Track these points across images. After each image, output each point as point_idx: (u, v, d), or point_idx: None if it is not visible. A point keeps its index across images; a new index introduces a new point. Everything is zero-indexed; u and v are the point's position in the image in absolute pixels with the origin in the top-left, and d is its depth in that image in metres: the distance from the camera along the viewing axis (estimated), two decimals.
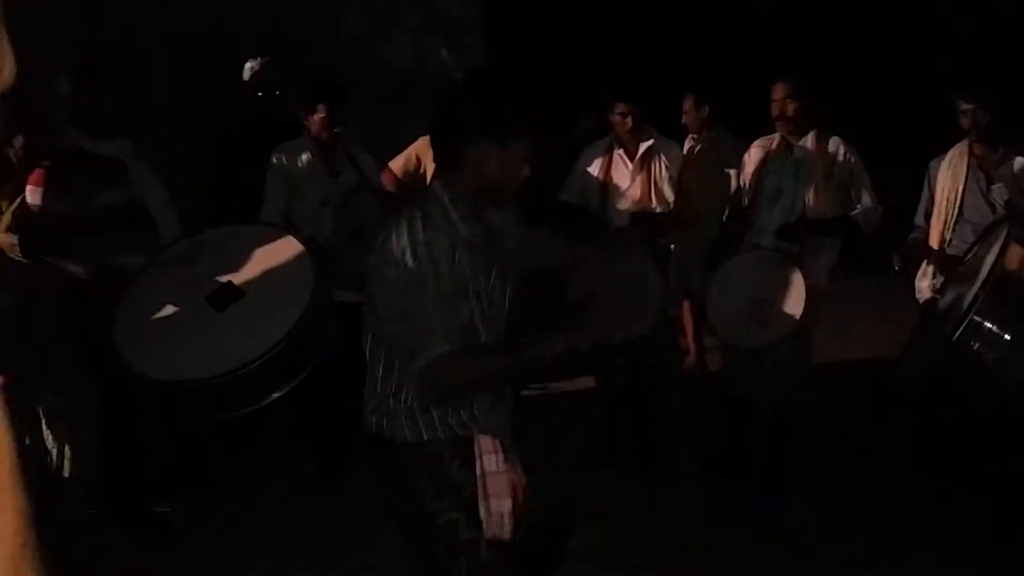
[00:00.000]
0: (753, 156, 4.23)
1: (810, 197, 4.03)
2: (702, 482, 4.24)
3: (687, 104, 5.38)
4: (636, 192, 4.36)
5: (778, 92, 4.08)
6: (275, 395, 2.99)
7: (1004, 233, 3.52)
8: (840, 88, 6.73)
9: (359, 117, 4.89)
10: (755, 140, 4.27)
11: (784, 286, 3.91)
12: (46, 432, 3.54)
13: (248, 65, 4.57)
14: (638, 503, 4.03)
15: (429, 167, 4.45)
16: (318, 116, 4.13)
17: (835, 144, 4.08)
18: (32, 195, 3.50)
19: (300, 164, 4.17)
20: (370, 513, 3.76)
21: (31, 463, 3.39)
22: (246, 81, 4.57)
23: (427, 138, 4.66)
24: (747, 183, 4.21)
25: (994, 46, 7.21)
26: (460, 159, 2.23)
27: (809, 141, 4.08)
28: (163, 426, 3.81)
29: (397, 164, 4.65)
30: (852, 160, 4.07)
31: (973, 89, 3.91)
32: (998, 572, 3.36)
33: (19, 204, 3.47)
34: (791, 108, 4.04)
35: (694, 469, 4.35)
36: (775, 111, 4.09)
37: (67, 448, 3.54)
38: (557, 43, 6.93)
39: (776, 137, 4.17)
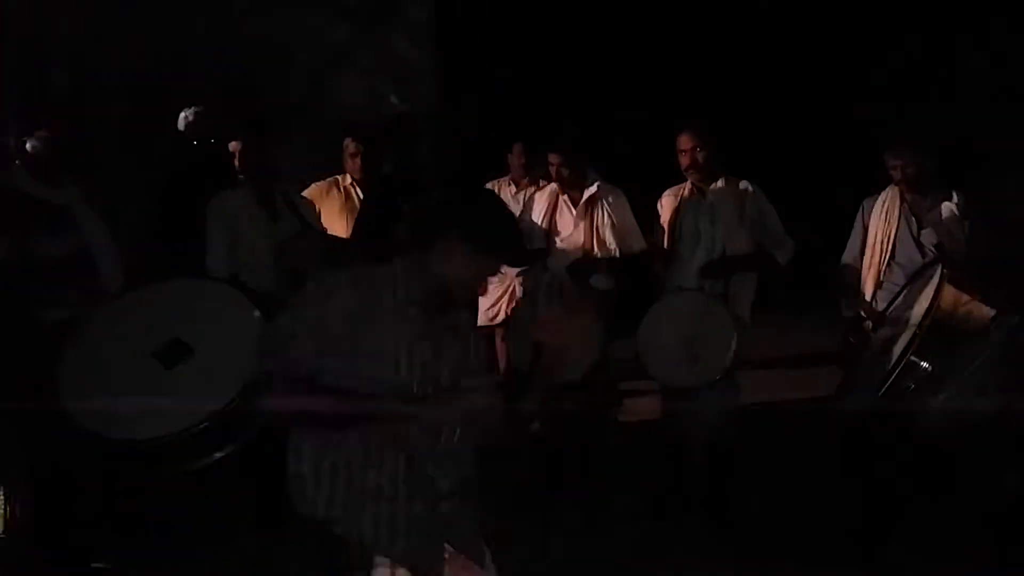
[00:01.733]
0: (666, 204, 4.38)
1: (727, 236, 4.16)
2: (644, 524, 4.23)
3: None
4: (579, 238, 4.38)
5: (685, 143, 4.21)
6: (217, 455, 2.93)
7: (937, 275, 3.60)
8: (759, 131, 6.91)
9: (310, 155, 4.88)
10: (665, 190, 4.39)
11: (713, 323, 3.99)
12: None
13: (182, 115, 4.54)
14: (580, 546, 4.01)
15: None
16: (234, 150, 4.10)
17: (744, 184, 4.26)
18: None
19: (238, 209, 4.09)
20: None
21: None
22: (181, 131, 4.50)
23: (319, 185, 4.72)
24: (664, 230, 4.32)
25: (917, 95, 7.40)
26: (429, 247, 2.23)
27: (720, 184, 4.24)
28: (104, 479, 3.71)
29: None
30: (761, 199, 4.25)
31: (899, 145, 3.99)
32: None
33: None
34: (701, 156, 4.18)
35: (636, 511, 4.33)
36: (684, 161, 4.22)
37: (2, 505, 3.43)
38: (507, 87, 6.95)
39: (687, 184, 4.30)
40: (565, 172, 4.36)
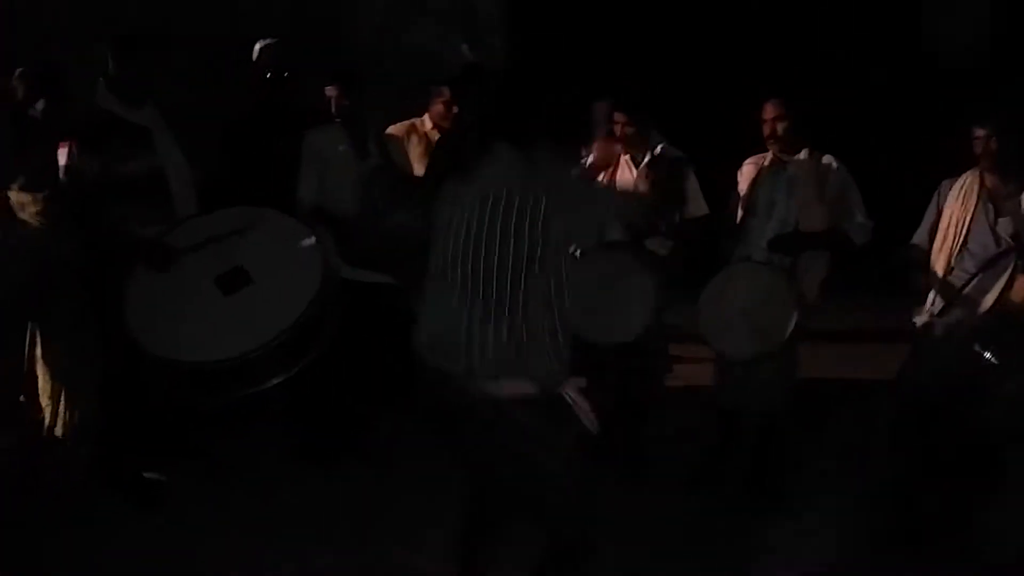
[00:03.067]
0: (746, 172, 4.27)
1: (802, 211, 4.04)
2: (686, 491, 4.18)
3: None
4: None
5: (769, 112, 4.11)
6: (273, 382, 2.96)
7: (1011, 265, 3.47)
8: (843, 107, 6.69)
9: (380, 101, 4.85)
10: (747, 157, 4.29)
11: (775, 298, 3.90)
12: (42, 390, 3.49)
13: (257, 46, 4.55)
14: (622, 509, 3.96)
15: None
16: (330, 95, 4.17)
17: (828, 160, 4.12)
18: (62, 155, 3.51)
19: (330, 146, 4.18)
20: (363, 492, 3.78)
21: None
22: (254, 61, 4.54)
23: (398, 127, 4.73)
24: (740, 198, 4.22)
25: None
26: None
27: (802, 156, 4.11)
28: (163, 399, 3.77)
29: None
30: (844, 177, 4.11)
31: (989, 117, 3.82)
32: None
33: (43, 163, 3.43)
34: (781, 127, 4.07)
35: (681, 479, 4.28)
36: (766, 130, 4.12)
37: (64, 409, 3.50)
38: (578, 45, 6.82)
39: (768, 154, 4.19)
40: (629, 131, 4.27)
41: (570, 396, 2.45)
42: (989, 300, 3.60)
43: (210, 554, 3.41)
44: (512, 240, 2.34)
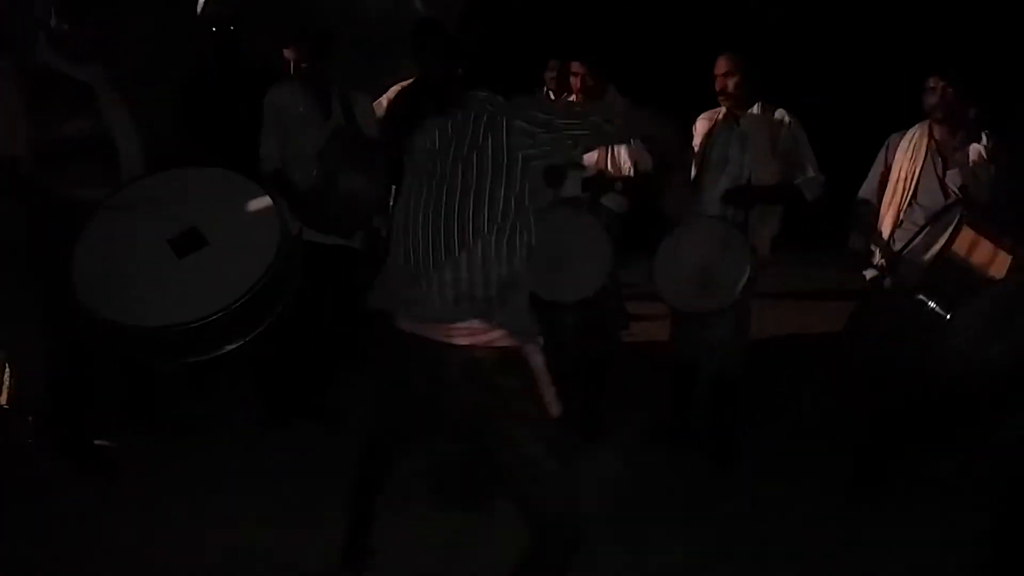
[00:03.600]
0: (699, 127, 4.29)
1: (755, 166, 4.07)
2: (646, 448, 4.23)
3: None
4: (594, 155, 4.28)
5: (720, 67, 4.12)
6: (229, 347, 2.91)
7: (956, 217, 3.52)
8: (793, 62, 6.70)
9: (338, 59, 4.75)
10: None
11: (730, 252, 3.94)
12: None
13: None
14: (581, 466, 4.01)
15: None
16: (288, 57, 4.09)
17: (780, 114, 4.14)
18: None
19: (291, 106, 4.09)
20: (319, 456, 3.77)
21: None
22: (199, 15, 4.39)
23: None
24: (694, 153, 4.22)
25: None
26: None
27: (755, 110, 4.13)
28: (118, 364, 3.71)
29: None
30: (796, 130, 4.13)
31: (945, 66, 3.86)
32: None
33: None
34: (732, 83, 4.09)
35: (638, 435, 4.35)
36: (718, 85, 4.13)
37: (7, 376, 3.43)
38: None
39: (722, 109, 4.19)
40: (589, 82, 4.24)
41: (535, 366, 2.41)
42: (934, 251, 3.66)
43: (168, 519, 3.39)
44: (486, 185, 2.31)
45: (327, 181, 3.93)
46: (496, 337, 2.35)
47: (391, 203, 3.64)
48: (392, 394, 2.69)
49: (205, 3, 4.38)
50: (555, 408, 2.43)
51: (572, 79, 4.32)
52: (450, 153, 2.39)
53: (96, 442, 3.85)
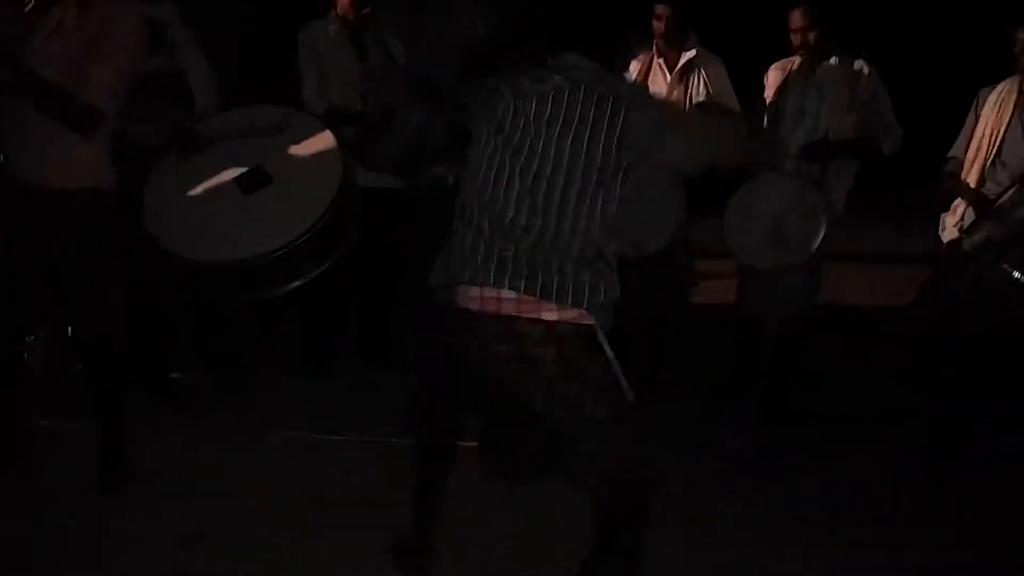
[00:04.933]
0: (771, 78, 4.12)
1: (833, 118, 3.92)
2: (707, 405, 4.13)
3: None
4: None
5: (796, 21, 3.94)
6: (295, 283, 2.93)
7: None
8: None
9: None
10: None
11: (804, 208, 3.79)
12: None
13: None
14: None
15: None
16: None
17: (859, 65, 3.96)
18: None
19: (328, 45, 4.02)
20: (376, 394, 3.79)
21: None
22: None
23: None
24: (766, 104, 4.07)
25: None
26: None
27: (832, 62, 3.97)
28: (184, 299, 3.77)
29: None
30: (875, 82, 3.95)
31: None
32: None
33: None
34: (811, 36, 3.91)
35: (701, 392, 4.25)
36: (796, 40, 3.96)
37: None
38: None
39: (796, 59, 4.03)
40: (662, 28, 4.08)
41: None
42: (1021, 214, 3.50)
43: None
44: (586, 145, 2.15)
45: (382, 118, 3.89)
46: (573, 315, 2.17)
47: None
48: (445, 372, 2.48)
49: None
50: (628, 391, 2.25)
51: (655, 23, 4.13)
52: (540, 123, 2.19)
53: (171, 375, 3.95)
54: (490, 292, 2.18)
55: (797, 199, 3.81)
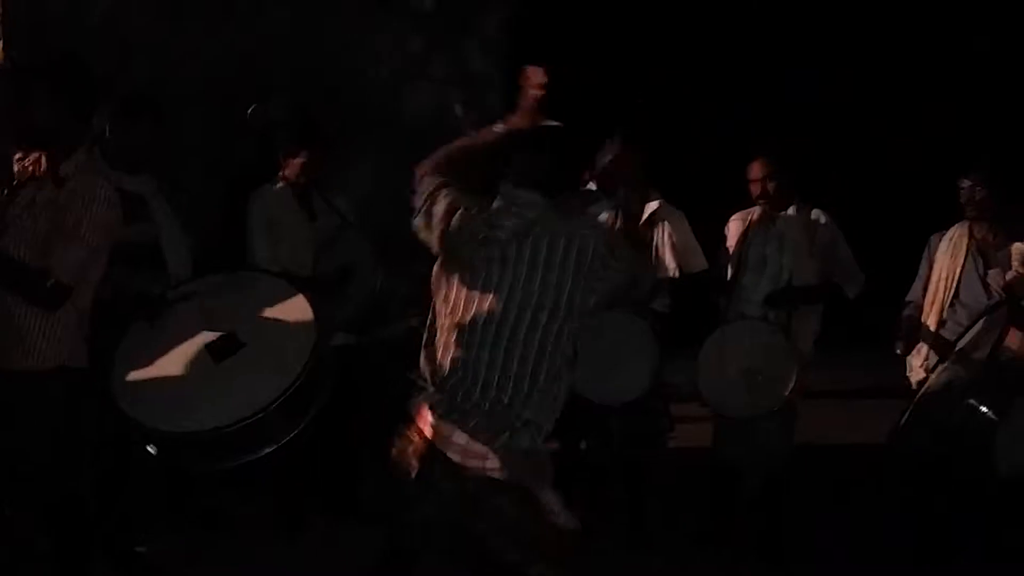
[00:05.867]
0: (733, 229, 4.23)
1: (795, 266, 4.01)
2: (691, 552, 4.09)
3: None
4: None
5: (757, 171, 4.06)
6: (268, 449, 2.91)
7: (1003, 317, 3.46)
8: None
9: (380, 160, 4.85)
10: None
11: (775, 354, 3.86)
12: None
13: (251, 109, 4.50)
14: (627, 571, 3.88)
15: None
16: (298, 161, 4.10)
17: (815, 214, 4.09)
18: None
19: (277, 206, 4.10)
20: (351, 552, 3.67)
21: None
22: (247, 120, 4.47)
23: None
24: (730, 255, 4.18)
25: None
26: None
27: (791, 212, 4.08)
28: (155, 467, 3.71)
29: None
30: (833, 230, 4.08)
31: (974, 168, 3.84)
32: None
33: None
34: (771, 186, 4.03)
35: (684, 539, 4.20)
36: (756, 189, 4.08)
37: None
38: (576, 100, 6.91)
39: (756, 209, 4.14)
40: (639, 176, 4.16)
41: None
42: (982, 353, 3.58)
43: None
44: (553, 285, 2.25)
45: (339, 275, 3.98)
46: (496, 467, 2.24)
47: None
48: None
49: (253, 110, 4.50)
50: (570, 522, 2.30)
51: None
52: (513, 260, 2.28)
53: (135, 548, 3.83)
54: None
55: (766, 347, 3.87)
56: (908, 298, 4.04)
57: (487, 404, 2.25)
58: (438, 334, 2.35)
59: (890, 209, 7.18)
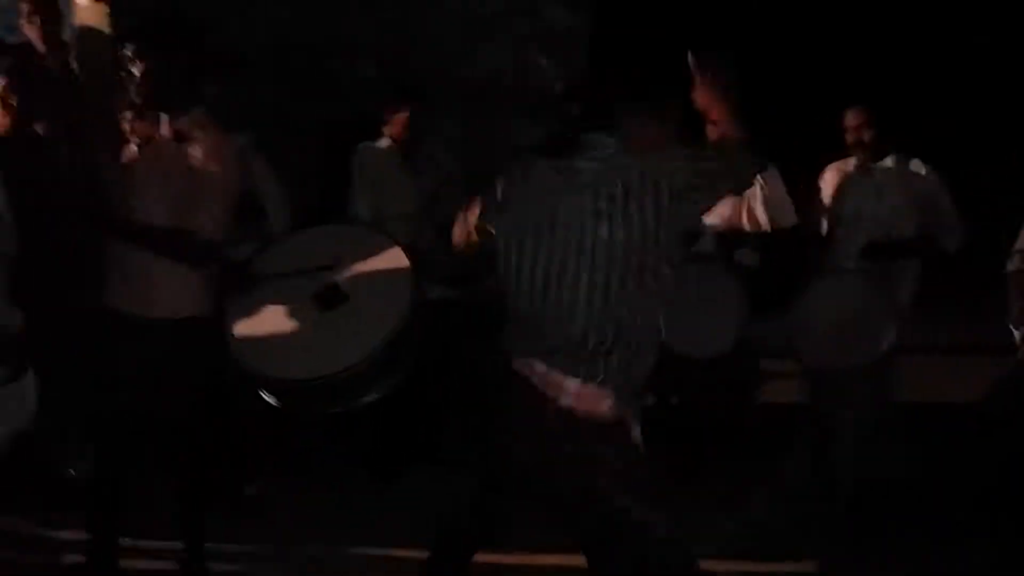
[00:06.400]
0: (829, 179, 4.14)
1: (893, 218, 3.94)
2: (780, 512, 3.99)
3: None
4: (726, 210, 4.19)
5: (852, 119, 3.97)
6: (374, 395, 2.99)
7: None
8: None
9: (453, 119, 4.88)
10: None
11: (870, 309, 3.79)
12: None
13: None
14: (711, 526, 3.84)
15: None
16: (400, 117, 4.15)
17: (916, 166, 3.99)
18: None
19: (382, 162, 4.17)
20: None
21: None
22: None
23: None
24: (826, 207, 4.11)
25: None
26: None
27: (888, 163, 3.99)
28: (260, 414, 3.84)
29: None
30: (933, 181, 3.98)
31: None
32: None
33: None
34: (867, 135, 3.94)
35: (772, 499, 4.13)
36: (851, 138, 3.99)
37: None
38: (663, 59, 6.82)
39: (852, 159, 4.05)
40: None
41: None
42: None
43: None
44: (637, 226, 2.21)
45: (440, 232, 4.00)
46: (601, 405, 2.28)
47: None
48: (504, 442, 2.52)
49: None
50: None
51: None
52: (584, 208, 2.26)
53: (244, 491, 3.99)
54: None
55: (863, 300, 3.80)
56: (1017, 246, 3.88)
57: (590, 352, 2.26)
58: (530, 287, 2.33)
59: (993, 157, 6.94)
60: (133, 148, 2.99)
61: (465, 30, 6.35)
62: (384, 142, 4.23)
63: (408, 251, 3.27)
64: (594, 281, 2.23)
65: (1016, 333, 3.80)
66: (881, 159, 4.02)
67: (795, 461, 4.12)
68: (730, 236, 4.20)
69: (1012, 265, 3.88)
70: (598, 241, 2.22)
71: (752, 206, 4.21)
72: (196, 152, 2.97)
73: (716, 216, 4.22)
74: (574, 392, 2.26)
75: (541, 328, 2.30)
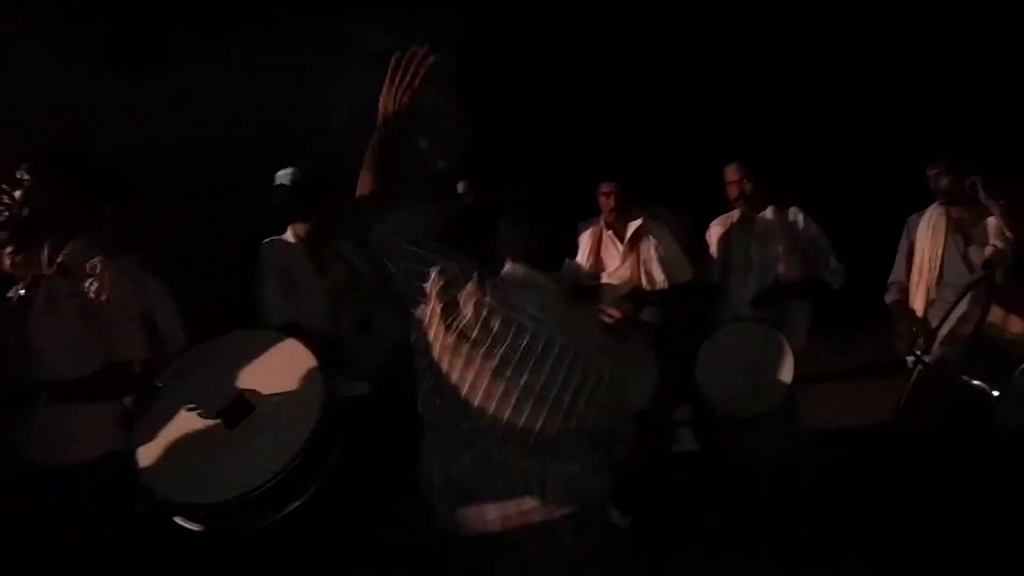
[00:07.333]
0: (714, 233, 4.34)
1: (779, 264, 4.12)
2: (707, 555, 4.09)
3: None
4: (626, 273, 4.33)
5: (732, 174, 4.19)
6: (292, 505, 2.93)
7: (983, 294, 3.55)
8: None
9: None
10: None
11: (772, 352, 3.94)
12: None
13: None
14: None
15: None
16: (307, 222, 4.09)
17: (793, 213, 4.21)
18: None
19: (287, 257, 4.08)
20: None
21: None
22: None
23: None
24: (714, 259, 4.30)
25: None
26: None
27: (768, 213, 4.20)
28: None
29: None
30: (811, 226, 4.19)
31: (938, 156, 3.95)
32: None
33: None
34: (749, 187, 4.15)
35: (701, 543, 4.21)
36: (733, 192, 4.19)
37: None
38: (543, 128, 6.98)
39: (735, 213, 4.25)
40: (613, 203, 4.28)
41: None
42: (969, 329, 3.68)
43: None
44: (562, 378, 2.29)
45: (357, 326, 3.97)
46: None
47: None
48: None
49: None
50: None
51: (604, 199, 4.34)
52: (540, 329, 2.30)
53: None
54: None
55: (763, 345, 3.96)
56: (892, 278, 4.13)
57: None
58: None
59: (864, 196, 7.30)
60: (21, 294, 2.89)
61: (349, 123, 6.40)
62: (289, 236, 4.18)
63: (318, 350, 3.25)
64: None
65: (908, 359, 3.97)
66: (762, 209, 4.18)
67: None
68: (634, 297, 4.28)
69: (889, 297, 4.10)
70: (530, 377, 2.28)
71: (649, 266, 4.33)
72: (91, 280, 2.91)
73: (616, 278, 4.34)
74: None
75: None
